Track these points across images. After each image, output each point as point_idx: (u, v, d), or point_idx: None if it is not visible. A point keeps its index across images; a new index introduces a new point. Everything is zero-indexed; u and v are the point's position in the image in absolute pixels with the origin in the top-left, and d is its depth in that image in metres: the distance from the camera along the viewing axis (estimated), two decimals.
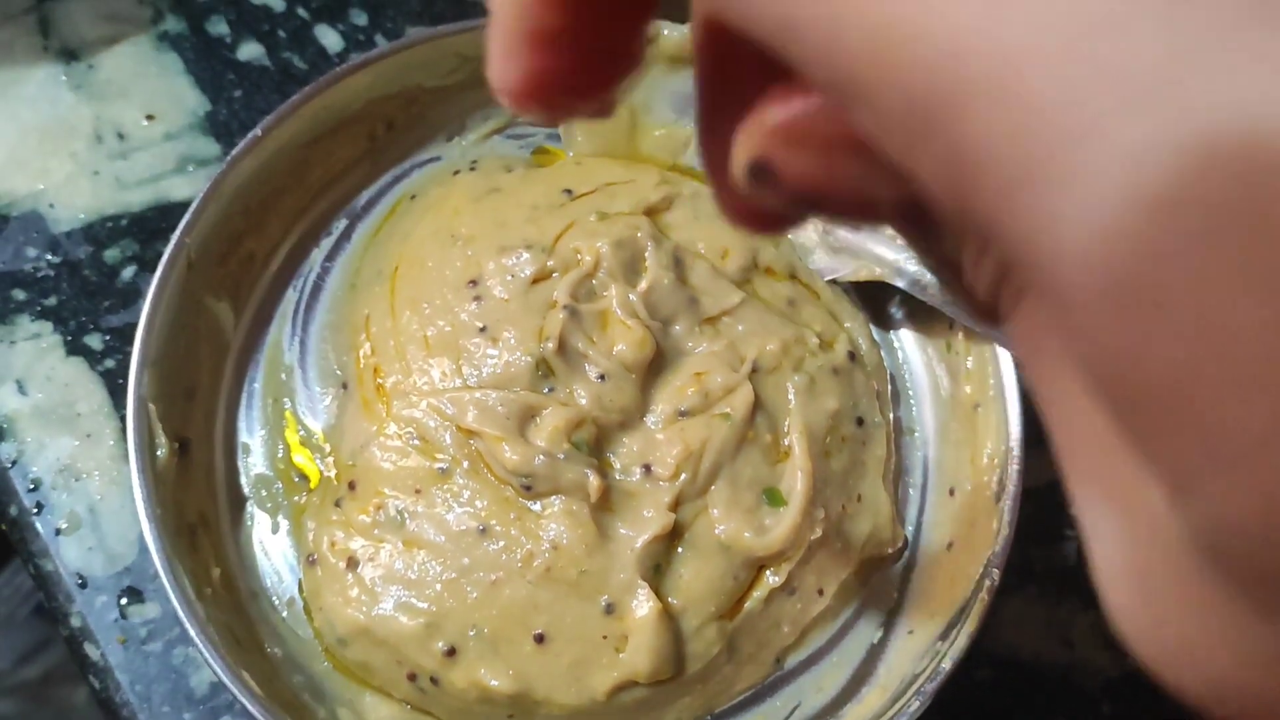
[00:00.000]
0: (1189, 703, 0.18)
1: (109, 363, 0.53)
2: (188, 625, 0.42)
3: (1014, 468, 0.46)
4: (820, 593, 0.48)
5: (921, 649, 0.46)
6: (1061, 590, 0.54)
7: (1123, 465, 0.17)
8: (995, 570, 0.45)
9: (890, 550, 0.49)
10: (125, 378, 0.46)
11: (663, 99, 0.54)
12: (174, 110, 0.58)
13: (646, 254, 0.49)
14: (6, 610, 1.04)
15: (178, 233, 0.47)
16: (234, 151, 0.48)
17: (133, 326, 0.48)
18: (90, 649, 0.49)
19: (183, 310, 0.47)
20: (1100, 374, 0.15)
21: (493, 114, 0.56)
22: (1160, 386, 0.14)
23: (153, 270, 0.47)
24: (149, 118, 0.58)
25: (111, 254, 0.55)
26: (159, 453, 0.45)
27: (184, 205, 0.55)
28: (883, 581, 0.50)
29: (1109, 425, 0.16)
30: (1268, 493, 0.14)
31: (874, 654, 0.48)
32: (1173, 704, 0.50)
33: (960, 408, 0.51)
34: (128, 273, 0.55)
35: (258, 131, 0.49)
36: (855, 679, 0.47)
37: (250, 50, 0.60)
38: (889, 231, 0.50)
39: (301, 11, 0.61)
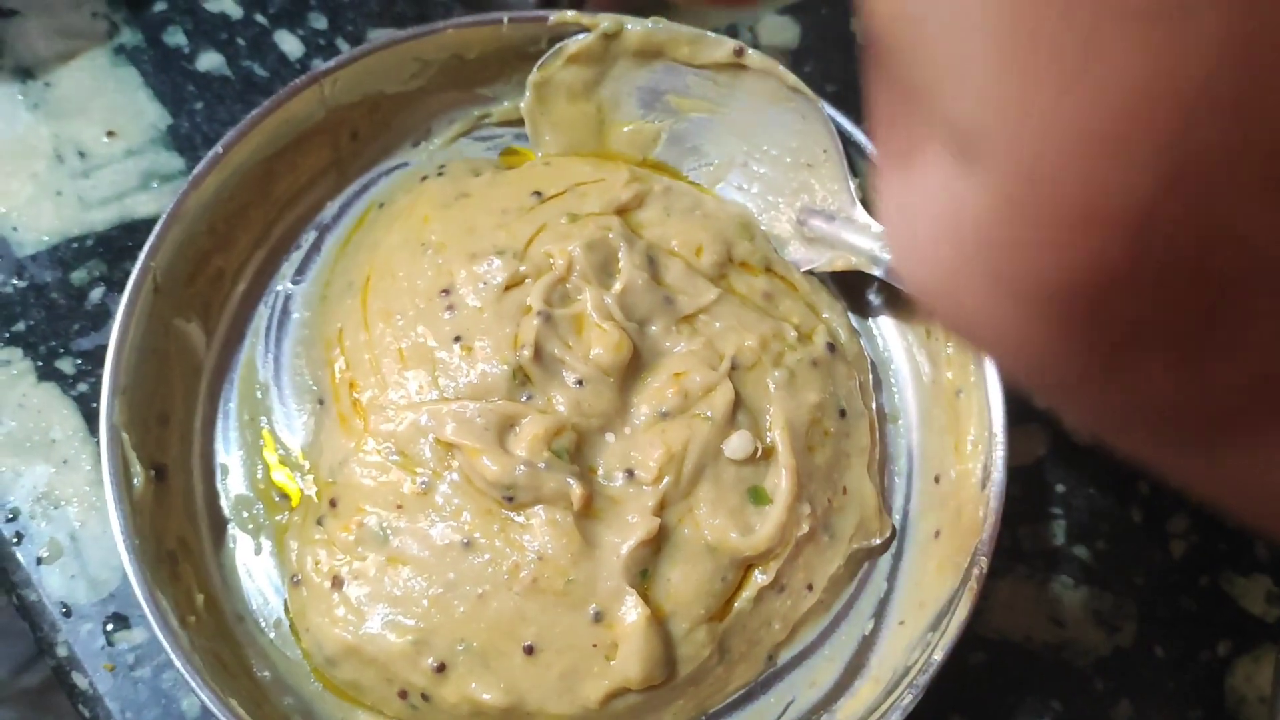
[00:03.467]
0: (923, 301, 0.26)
1: (82, 386, 0.52)
2: (172, 655, 0.41)
3: (998, 453, 0.46)
4: (810, 588, 0.47)
5: (913, 639, 0.46)
6: (1050, 569, 0.54)
7: (901, 136, 0.25)
8: (983, 558, 0.45)
9: (878, 541, 0.49)
10: (99, 402, 0.45)
11: (630, 95, 0.53)
12: (135, 125, 0.57)
13: (619, 255, 0.48)
14: (4, 620, 1.04)
15: (142, 256, 0.46)
16: (196, 170, 0.48)
17: (104, 349, 0.47)
18: (78, 678, 0.48)
19: (151, 334, 0.46)
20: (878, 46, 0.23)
21: (458, 117, 0.55)
22: (907, 46, 0.21)
23: (122, 290, 0.46)
24: (110, 134, 0.57)
25: (79, 275, 0.54)
26: (135, 481, 0.44)
27: (149, 222, 0.54)
28: (872, 573, 0.49)
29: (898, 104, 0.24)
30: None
31: (866, 646, 0.48)
32: (1161, 680, 0.49)
33: (942, 394, 0.50)
34: (96, 294, 0.54)
35: (219, 149, 0.48)
36: (848, 672, 0.47)
37: (210, 60, 0.59)
38: (863, 220, 0.50)
39: (260, 18, 0.60)
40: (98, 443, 0.50)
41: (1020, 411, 0.55)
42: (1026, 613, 0.53)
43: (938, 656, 0.43)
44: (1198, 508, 0.55)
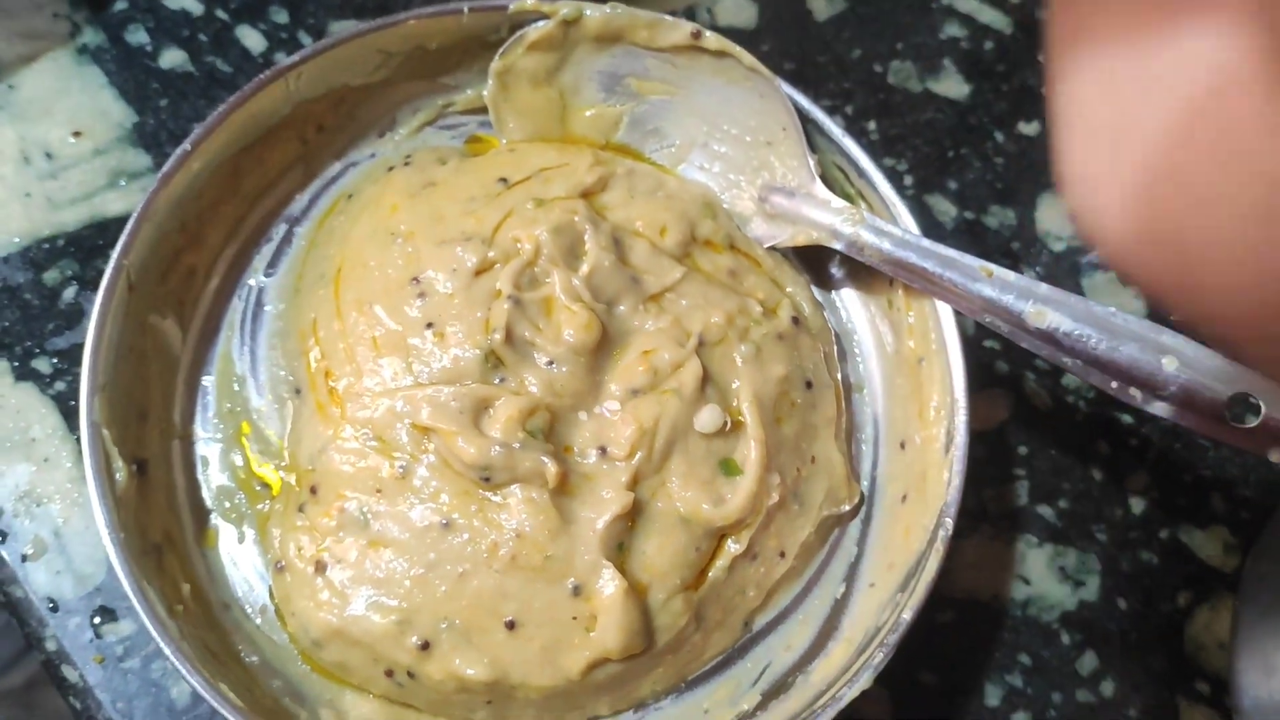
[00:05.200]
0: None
1: (59, 385, 0.53)
2: (163, 645, 0.42)
3: (960, 418, 0.47)
4: (782, 555, 0.49)
5: (883, 601, 0.48)
6: (1015, 528, 0.55)
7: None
8: (948, 520, 0.46)
9: (847, 507, 0.50)
10: (77, 399, 0.46)
11: (591, 80, 0.54)
12: (101, 125, 0.58)
13: (585, 237, 0.49)
14: None
15: (115, 256, 0.47)
16: (164, 168, 0.48)
17: (80, 347, 0.48)
18: (68, 671, 0.49)
19: (127, 332, 0.47)
20: None
21: (422, 107, 0.56)
22: None
23: (94, 288, 0.47)
24: (76, 134, 0.57)
25: (51, 276, 0.55)
26: (117, 477, 0.45)
27: (120, 221, 0.55)
28: (842, 538, 0.51)
29: None
30: None
31: (838, 609, 0.49)
32: (1125, 631, 0.51)
33: (905, 363, 0.52)
34: (69, 293, 0.55)
35: (186, 146, 0.49)
36: (822, 635, 0.49)
37: (173, 57, 0.59)
38: (823, 195, 0.51)
39: (221, 14, 0.60)
40: (77, 440, 0.50)
41: (982, 377, 0.57)
42: (993, 571, 0.55)
43: (906, 616, 0.45)
44: (1155, 465, 0.57)
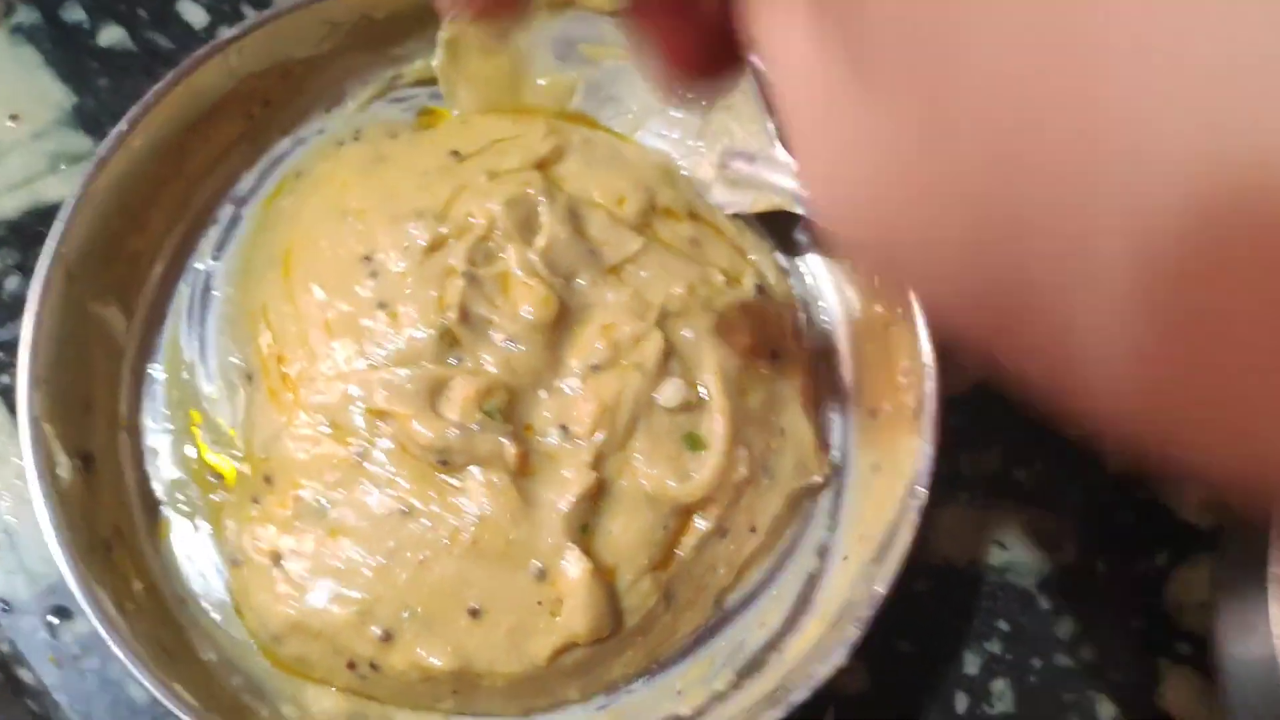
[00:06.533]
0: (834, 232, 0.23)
1: (4, 379, 0.51)
2: (113, 645, 0.41)
3: (930, 384, 0.46)
4: (753, 530, 0.48)
5: (856, 574, 0.47)
6: (990, 495, 0.54)
7: None
8: (921, 489, 0.45)
9: (818, 479, 0.49)
10: None
11: (545, 46, 0.52)
12: (38, 107, 0.56)
13: (540, 210, 0.48)
14: None
15: (52, 243, 0.45)
16: (100, 150, 0.46)
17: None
18: (24, 673, 0.48)
19: (68, 321, 0.46)
20: None
21: (371, 79, 0.54)
22: None
23: None
24: (13, 118, 0.55)
25: None
26: (61, 473, 0.43)
27: (60, 206, 0.53)
28: (814, 511, 0.50)
29: None
30: None
31: (811, 584, 0.48)
32: (1104, 593, 0.50)
33: (872, 328, 0.51)
34: (11, 283, 0.53)
35: (123, 126, 0.47)
36: (795, 610, 0.48)
37: (111, 35, 0.57)
38: (783, 158, 0.50)
39: None
40: None
41: (951, 344, 0.55)
42: (969, 538, 0.54)
43: (880, 589, 0.44)
44: None
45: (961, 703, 0.51)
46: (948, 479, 0.54)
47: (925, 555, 0.53)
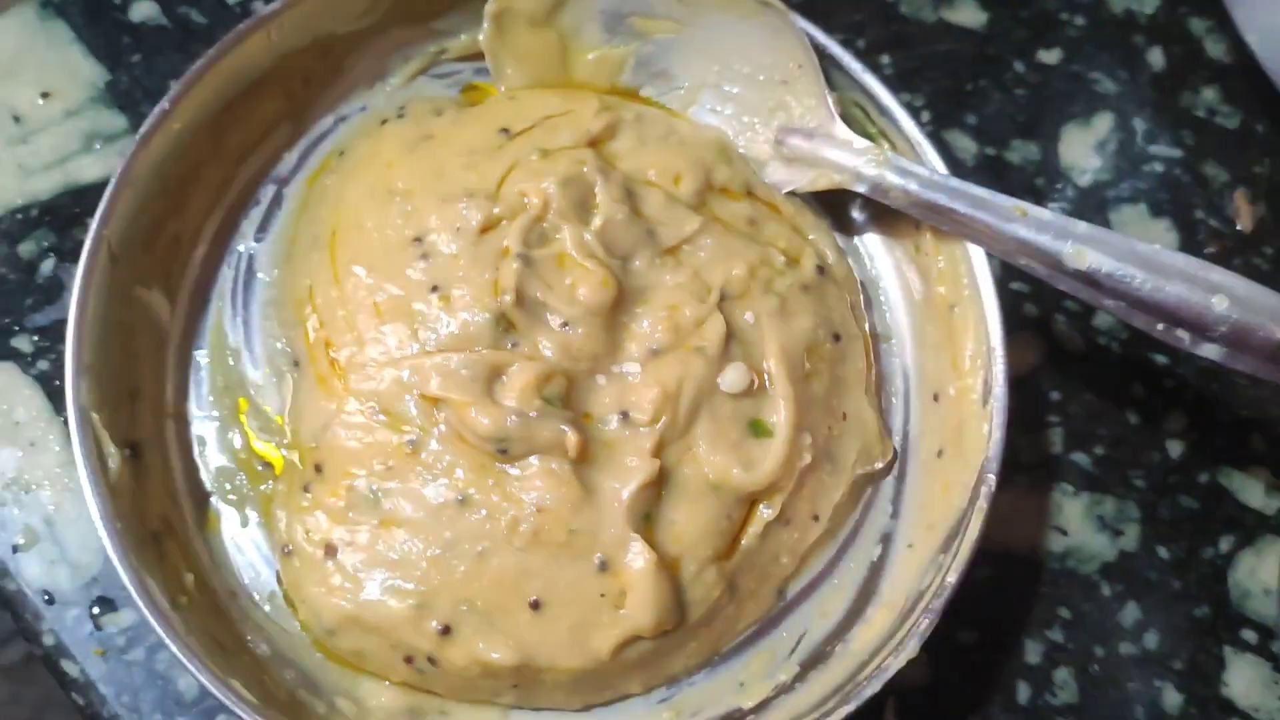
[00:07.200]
0: None
1: (42, 364, 0.50)
2: (168, 641, 0.40)
3: (998, 367, 0.45)
4: (816, 518, 0.46)
5: (924, 563, 0.45)
6: (1050, 478, 0.53)
7: None
8: (991, 475, 0.44)
9: (881, 465, 0.48)
10: (61, 379, 0.43)
11: (592, 20, 0.51)
12: (71, 84, 0.54)
13: (596, 189, 0.46)
14: None
15: (94, 225, 0.44)
16: (142, 130, 0.45)
17: (62, 323, 0.45)
18: (69, 666, 0.47)
19: (112, 307, 0.44)
20: None
21: (414, 55, 0.52)
22: None
23: (74, 260, 0.44)
24: (45, 95, 0.54)
25: (27, 248, 0.52)
26: (110, 464, 0.42)
27: (97, 187, 0.52)
28: (876, 497, 0.49)
29: None
30: None
31: (875, 572, 0.47)
32: (1167, 580, 0.48)
33: (935, 310, 0.49)
34: (47, 266, 0.51)
35: (165, 105, 0.45)
36: (859, 600, 0.46)
37: (143, 9, 0.56)
38: (844, 135, 0.48)
39: None
40: (64, 422, 0.48)
41: (1011, 321, 0.54)
42: (1029, 524, 0.52)
43: (952, 579, 0.42)
44: (1193, 406, 0.55)
45: (1024, 693, 0.50)
46: (1006, 463, 0.52)
47: (984, 542, 0.51)
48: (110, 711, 0.46)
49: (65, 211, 0.52)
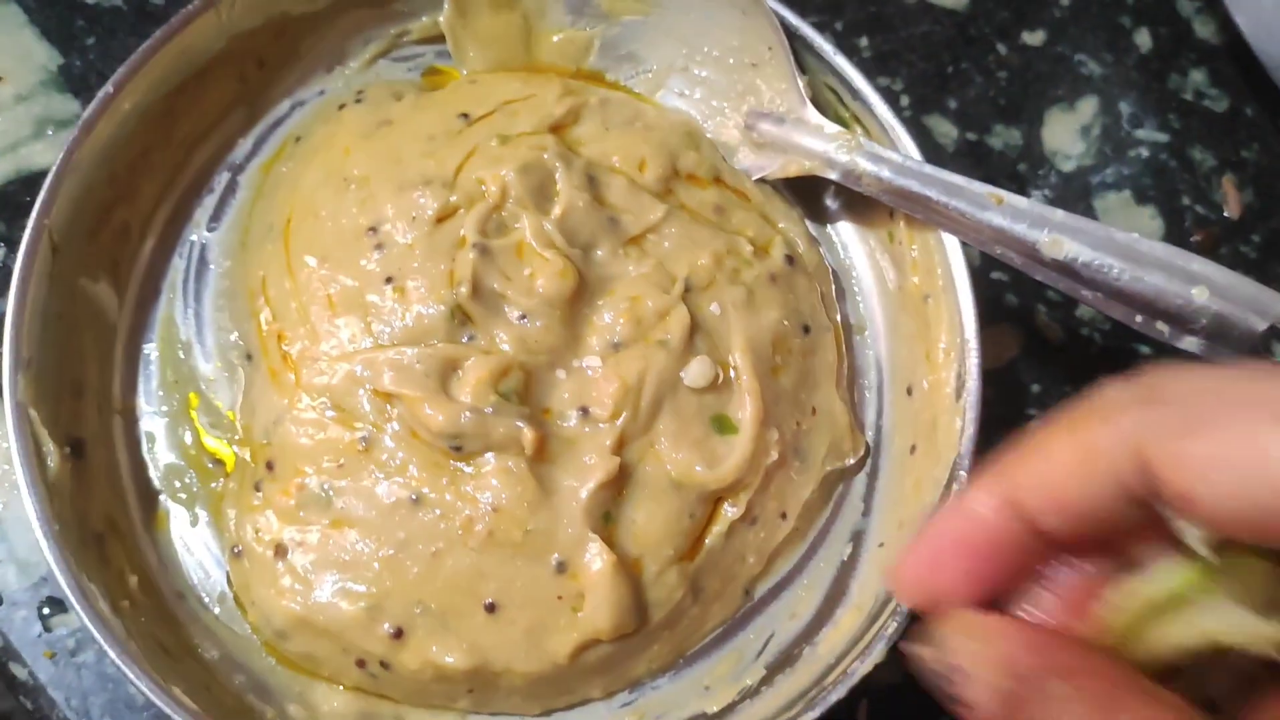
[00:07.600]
0: None
1: None
2: (106, 646, 0.38)
3: (972, 361, 0.43)
4: (783, 517, 0.45)
5: (893, 562, 0.44)
6: None
7: None
8: (963, 472, 0.42)
9: (852, 460, 0.47)
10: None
11: (557, 1, 0.49)
12: (22, 68, 0.53)
13: (556, 176, 0.45)
14: None
15: (34, 214, 0.42)
16: (85, 114, 0.43)
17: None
18: (16, 669, 0.45)
19: (54, 299, 0.43)
20: None
21: (373, 37, 0.51)
22: None
23: None
24: None
25: None
26: (49, 462, 0.41)
27: (49, 174, 0.50)
28: (847, 494, 0.47)
29: None
30: None
31: (845, 572, 0.46)
32: None
33: (909, 300, 0.48)
34: None
35: (109, 88, 0.44)
36: (828, 601, 0.45)
37: None
38: (815, 120, 0.47)
39: None
40: None
41: (991, 312, 0.52)
42: None
43: None
44: None
45: None
46: (983, 456, 0.51)
47: None
48: (60, 715, 0.45)
49: (15, 199, 0.51)
